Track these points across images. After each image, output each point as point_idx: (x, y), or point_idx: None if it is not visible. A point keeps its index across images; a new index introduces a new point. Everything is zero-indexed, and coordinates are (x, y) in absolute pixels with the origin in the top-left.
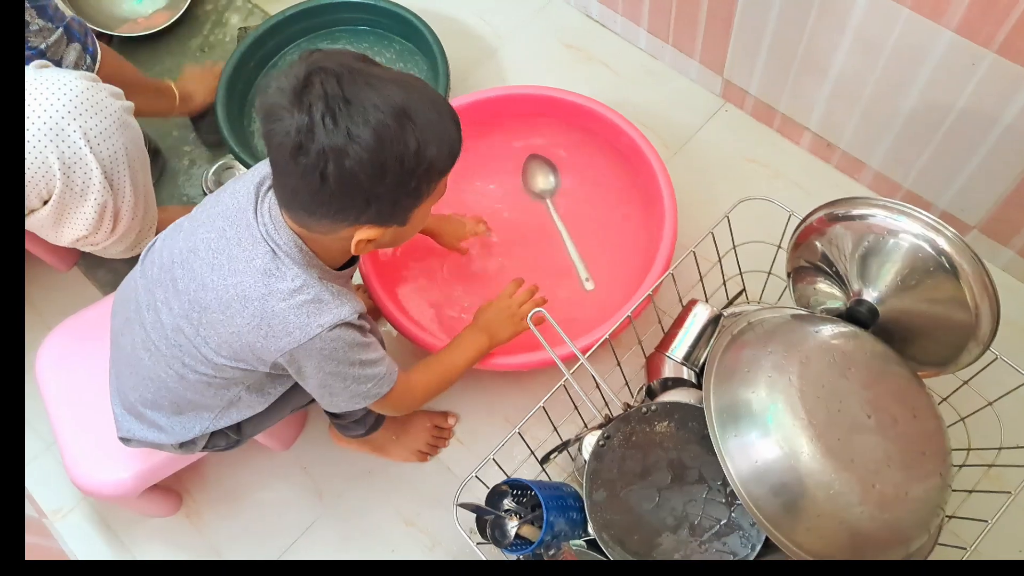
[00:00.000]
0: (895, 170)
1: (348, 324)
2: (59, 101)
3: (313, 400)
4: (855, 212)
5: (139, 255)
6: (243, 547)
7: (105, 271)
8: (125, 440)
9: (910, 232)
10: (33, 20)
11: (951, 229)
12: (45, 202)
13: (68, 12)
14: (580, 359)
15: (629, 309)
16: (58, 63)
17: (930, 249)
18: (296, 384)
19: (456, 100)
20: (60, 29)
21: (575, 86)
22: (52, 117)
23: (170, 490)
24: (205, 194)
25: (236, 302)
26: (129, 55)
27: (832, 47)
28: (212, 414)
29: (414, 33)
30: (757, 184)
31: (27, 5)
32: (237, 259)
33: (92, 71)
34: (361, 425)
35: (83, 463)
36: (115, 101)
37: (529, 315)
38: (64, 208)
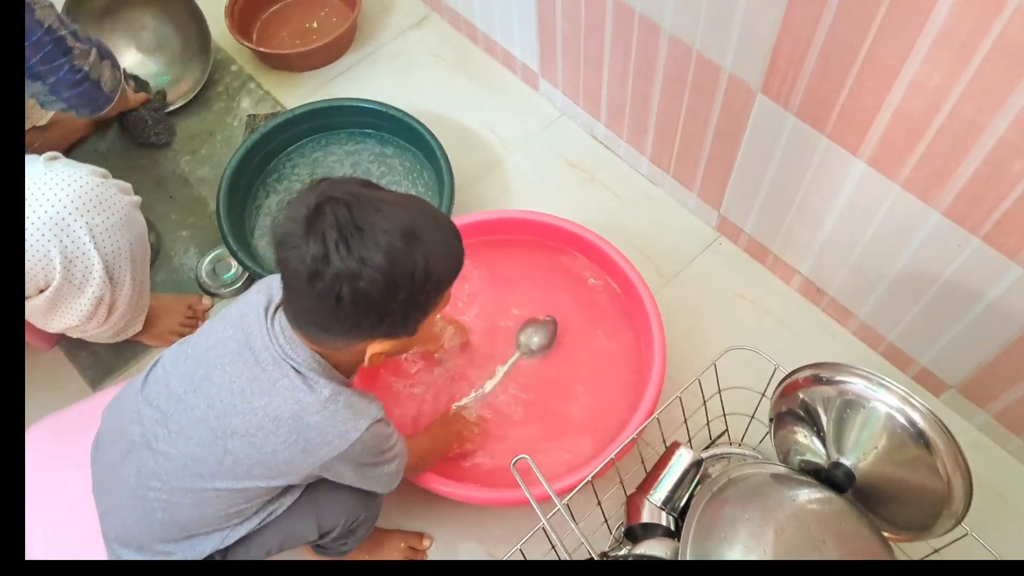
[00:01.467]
0: (881, 323)
1: (379, 421)
2: (67, 196)
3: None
4: (838, 378)
5: (123, 339)
6: None
7: (87, 354)
8: None
9: (887, 404)
10: (75, 44)
11: (926, 405)
12: (41, 291)
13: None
14: (558, 505)
15: (612, 451)
16: (97, 82)
17: (905, 422)
18: (296, 516)
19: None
20: (93, 48)
21: (576, 204)
22: (59, 212)
23: None
24: (198, 283)
25: (268, 423)
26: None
27: (826, 206)
28: (224, 533)
29: (420, 141)
30: (746, 321)
31: (64, 32)
32: (259, 381)
33: (121, 83)
34: (342, 545)
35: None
36: (123, 197)
37: (513, 461)
38: (60, 299)
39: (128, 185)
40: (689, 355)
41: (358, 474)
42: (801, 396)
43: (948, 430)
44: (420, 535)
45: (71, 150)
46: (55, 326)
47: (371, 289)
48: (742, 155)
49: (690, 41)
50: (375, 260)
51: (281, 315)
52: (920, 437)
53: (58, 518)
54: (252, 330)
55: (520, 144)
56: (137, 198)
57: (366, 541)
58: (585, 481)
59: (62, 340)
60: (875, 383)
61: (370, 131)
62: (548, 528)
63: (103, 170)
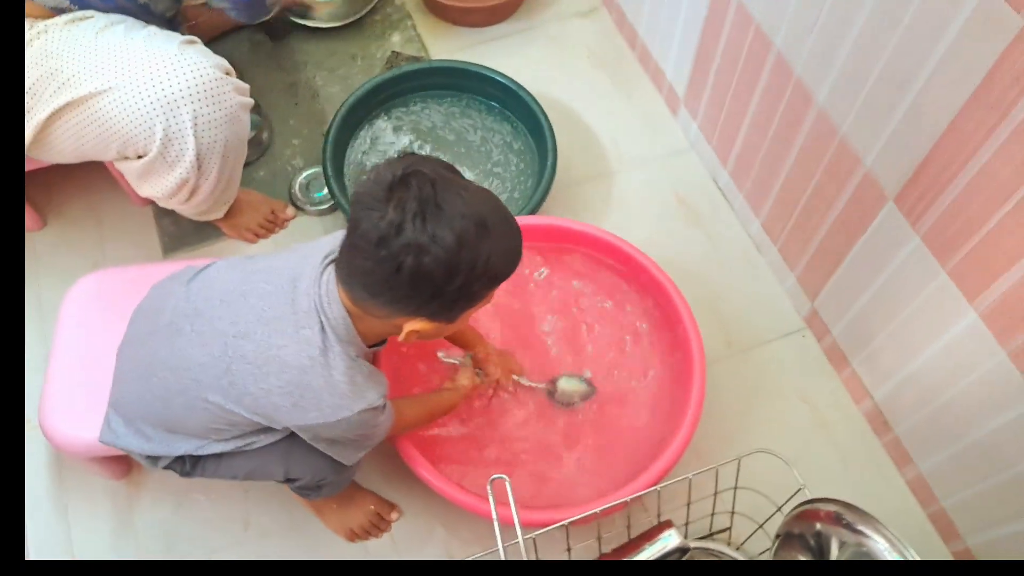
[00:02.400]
0: (940, 485)
1: (374, 409)
2: (185, 81)
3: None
4: (861, 527)
5: (206, 220)
6: (156, 539)
7: (170, 222)
8: (105, 443)
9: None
10: None
11: None
12: (140, 157)
13: None
14: (519, 538)
15: (599, 507)
16: (148, 8)
17: None
18: (268, 456)
19: (533, 220)
20: None
21: (671, 242)
22: (174, 93)
23: (124, 459)
24: (289, 192)
25: (275, 363)
26: (295, 40)
27: (922, 341)
28: (200, 442)
29: (537, 130)
30: (798, 426)
31: None
32: (286, 321)
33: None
34: (308, 493)
35: (58, 411)
36: (235, 96)
37: (490, 480)
38: (152, 170)
39: (246, 86)
40: (726, 436)
41: (329, 443)
42: (818, 527)
43: None
44: (392, 506)
45: (228, 35)
46: (144, 192)
47: (433, 267)
48: (854, 255)
49: (838, 123)
50: (446, 240)
51: (331, 269)
52: None
53: (85, 362)
54: (304, 271)
55: (637, 163)
56: (249, 100)
57: (339, 494)
58: (558, 525)
59: (153, 202)
60: (897, 550)
61: (495, 104)
62: (502, 555)
63: (228, 66)
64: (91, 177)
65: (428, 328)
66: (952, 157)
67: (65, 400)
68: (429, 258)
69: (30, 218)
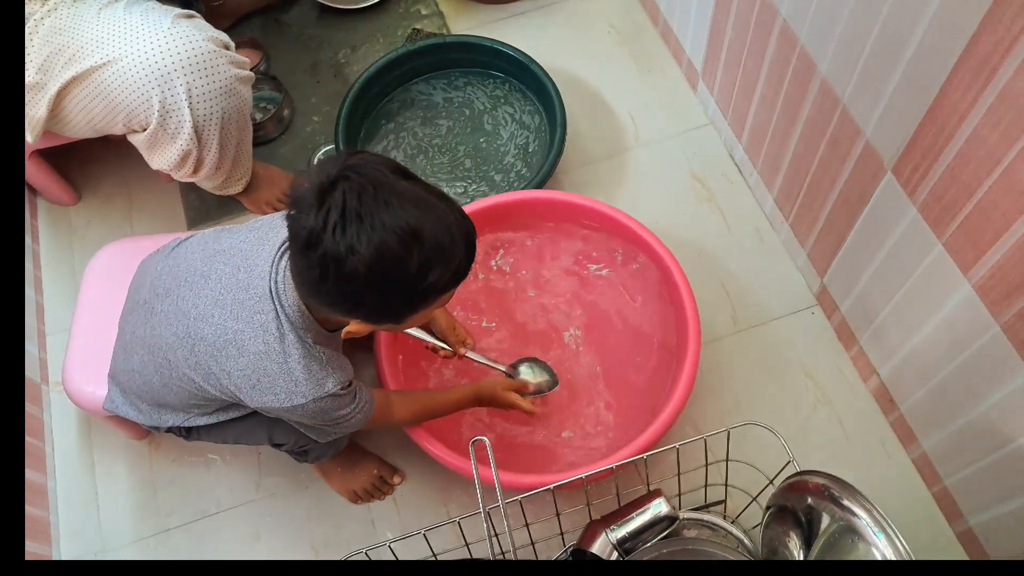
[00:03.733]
0: (944, 463)
1: (332, 396)
2: (178, 53)
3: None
4: (846, 502)
5: (224, 194)
6: (174, 496)
7: (195, 197)
8: (107, 410)
9: (878, 550)
10: None
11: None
12: (144, 129)
13: None
14: (499, 502)
15: (587, 471)
16: None
17: None
18: (252, 424)
19: (535, 193)
20: None
21: (684, 219)
22: (167, 65)
23: None
24: (307, 169)
25: (232, 347)
26: (320, 20)
27: (922, 315)
28: (184, 416)
29: (549, 106)
30: (802, 402)
31: None
32: (242, 305)
33: None
34: (301, 458)
35: (79, 373)
36: (231, 69)
37: (472, 440)
38: (156, 142)
39: (245, 60)
40: (726, 411)
41: (298, 424)
42: (809, 501)
43: None
44: (395, 470)
45: (253, 15)
46: (154, 164)
47: (353, 277)
48: (857, 229)
49: (840, 92)
50: (362, 252)
51: (287, 257)
52: None
53: (103, 327)
54: (260, 256)
55: (654, 140)
56: (248, 74)
57: (343, 457)
58: (542, 489)
59: None
60: (879, 527)
61: (508, 78)
62: (485, 516)
63: (227, 39)
64: (124, 155)
65: (369, 328)
66: (943, 124)
67: (85, 362)
68: (347, 269)
69: (66, 193)
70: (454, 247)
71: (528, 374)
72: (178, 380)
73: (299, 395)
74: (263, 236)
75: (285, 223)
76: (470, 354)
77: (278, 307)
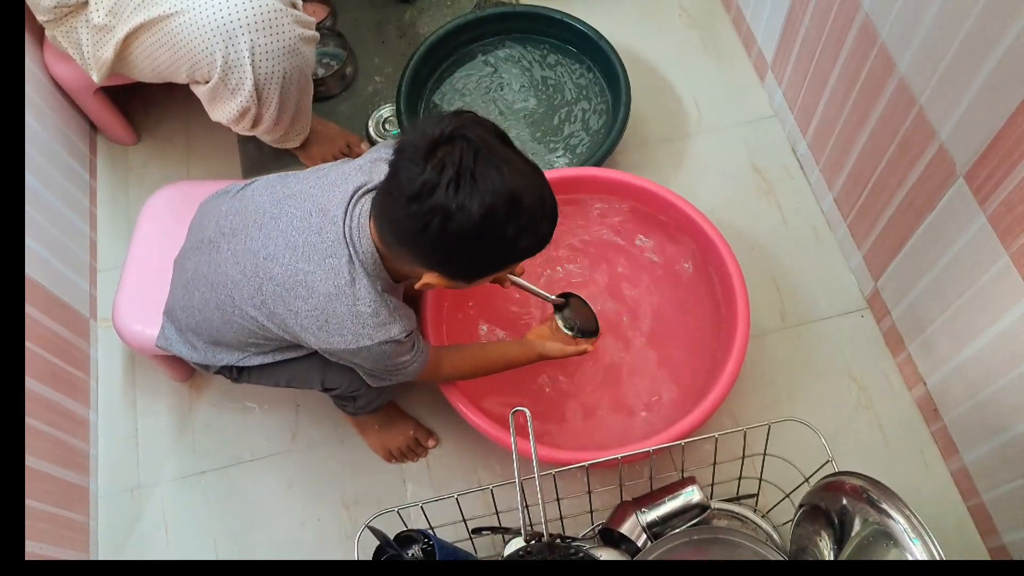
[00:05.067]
0: (983, 479)
1: (395, 342)
2: (244, 10)
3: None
4: (885, 505)
5: (282, 147)
6: (210, 439)
7: (253, 147)
8: (159, 347)
9: (912, 554)
10: None
11: None
12: (206, 82)
13: None
14: (534, 474)
15: (622, 452)
16: None
17: None
18: (306, 366)
19: (596, 171)
20: None
21: (740, 211)
22: (233, 22)
23: (186, 362)
24: (366, 128)
25: (302, 288)
26: None
27: (978, 327)
28: (240, 355)
29: (615, 83)
30: (843, 404)
31: None
32: (315, 248)
33: None
34: (347, 405)
35: (130, 312)
36: (295, 28)
37: (512, 411)
38: (216, 96)
39: (311, 19)
40: (767, 405)
41: (356, 365)
42: (844, 502)
43: None
44: (430, 433)
45: None
46: (214, 116)
47: (457, 234)
48: (920, 235)
49: (917, 93)
50: (473, 211)
51: (366, 201)
52: None
53: (156, 267)
54: (334, 200)
55: (717, 128)
56: (313, 33)
57: (381, 415)
58: (576, 467)
59: None
60: (916, 534)
61: (576, 53)
62: (519, 487)
63: None
64: (187, 100)
65: (445, 284)
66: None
67: (136, 301)
68: (454, 225)
69: (126, 132)
70: (544, 218)
71: (574, 312)
72: (239, 318)
73: (366, 337)
74: (334, 182)
75: (357, 171)
76: (518, 280)
77: (352, 252)
